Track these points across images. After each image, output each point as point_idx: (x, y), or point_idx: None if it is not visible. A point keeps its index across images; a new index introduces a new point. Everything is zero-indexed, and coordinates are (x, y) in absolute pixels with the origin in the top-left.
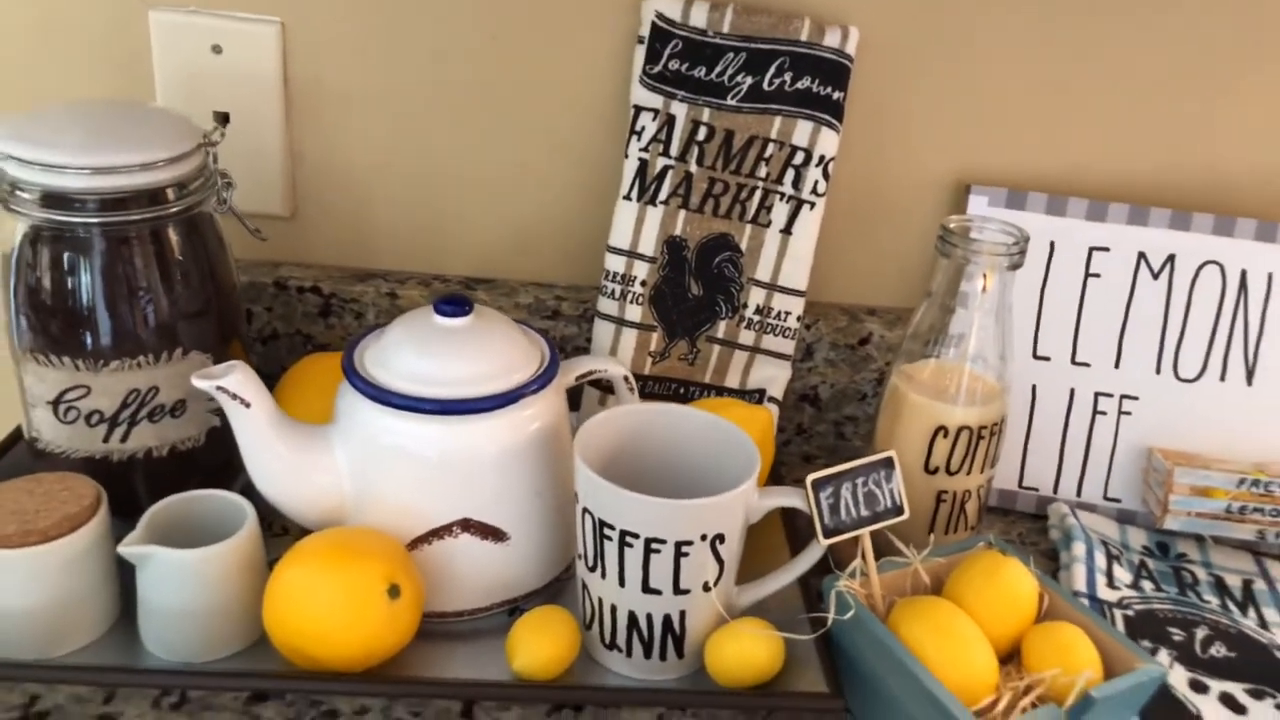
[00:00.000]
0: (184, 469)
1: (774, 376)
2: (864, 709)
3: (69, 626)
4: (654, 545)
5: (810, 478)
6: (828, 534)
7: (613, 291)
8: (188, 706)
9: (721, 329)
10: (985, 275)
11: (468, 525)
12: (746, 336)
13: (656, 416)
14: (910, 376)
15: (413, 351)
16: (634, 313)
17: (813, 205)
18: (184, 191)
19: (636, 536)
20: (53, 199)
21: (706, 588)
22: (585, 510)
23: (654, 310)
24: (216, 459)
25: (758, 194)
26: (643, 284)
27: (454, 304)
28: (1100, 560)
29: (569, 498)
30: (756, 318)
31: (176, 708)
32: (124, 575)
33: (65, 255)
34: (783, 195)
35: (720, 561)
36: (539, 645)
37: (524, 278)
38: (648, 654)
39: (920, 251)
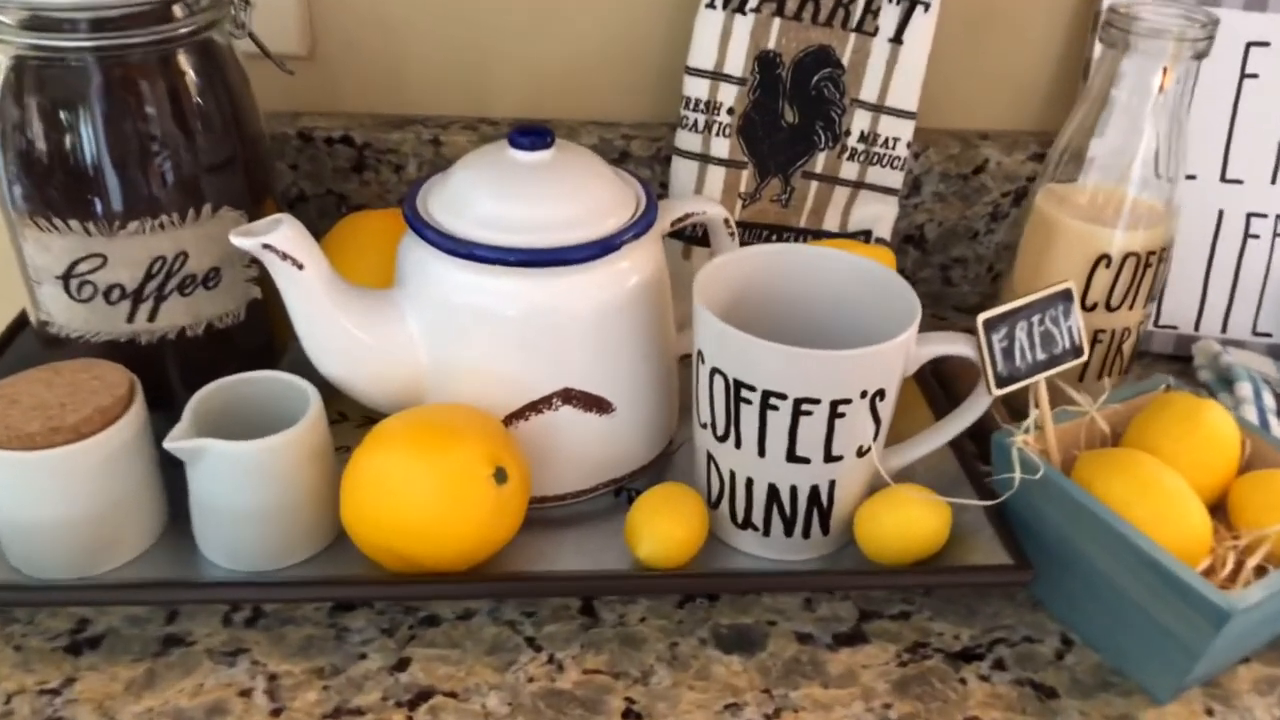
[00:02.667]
0: (222, 351)
1: (880, 215)
2: (1050, 585)
3: (112, 538)
4: (805, 407)
5: (981, 318)
6: (1000, 383)
7: (694, 123)
8: (264, 621)
9: (820, 162)
10: (1165, 69)
11: (569, 396)
12: (849, 170)
13: (785, 258)
14: (1062, 199)
15: (489, 193)
16: (720, 147)
17: (927, 6)
18: (193, 8)
19: (783, 397)
20: (39, 21)
21: (861, 452)
22: (715, 371)
23: (743, 143)
24: (258, 338)
25: None
26: (729, 111)
27: (533, 135)
28: (1269, 400)
29: (671, 361)
30: (860, 147)
31: (251, 623)
32: (169, 474)
33: (59, 93)
34: None
35: (878, 421)
36: (666, 528)
37: (584, 116)
38: (789, 531)
39: (1040, 65)
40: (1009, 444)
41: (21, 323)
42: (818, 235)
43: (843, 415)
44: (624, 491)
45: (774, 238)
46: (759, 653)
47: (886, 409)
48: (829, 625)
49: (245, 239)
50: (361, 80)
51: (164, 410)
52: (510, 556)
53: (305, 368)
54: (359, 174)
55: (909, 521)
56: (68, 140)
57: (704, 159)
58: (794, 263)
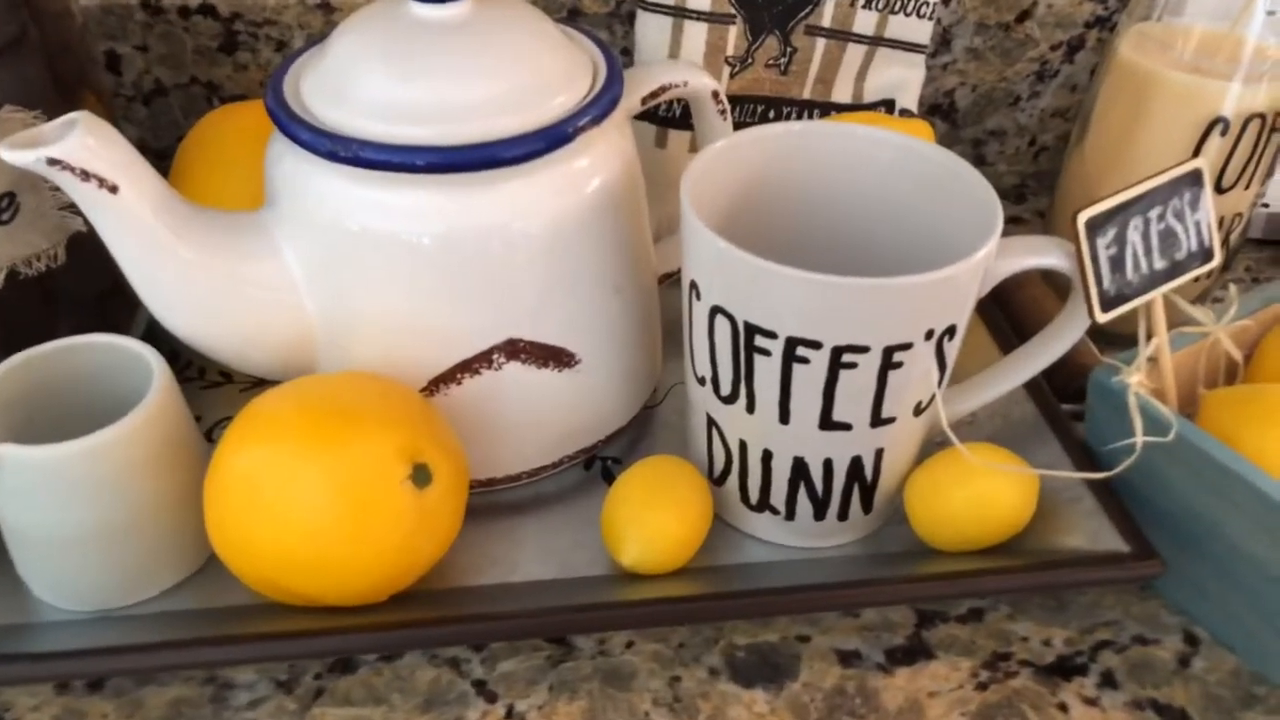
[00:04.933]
0: (43, 306)
1: (904, 80)
2: (1170, 568)
3: None
4: (847, 357)
5: (1083, 217)
6: (1108, 304)
7: None
8: (114, 684)
9: (828, 12)
10: None
11: (515, 349)
12: (864, 21)
13: (805, 143)
14: (1163, 45)
15: (382, 68)
16: None
17: None
18: None
19: (816, 346)
20: None
21: (919, 410)
22: (717, 310)
23: None
24: (93, 284)
25: None
26: None
27: None
28: None
29: (651, 285)
30: None
31: (96, 687)
32: None
33: None
34: None
35: (943, 368)
36: (657, 524)
37: None
38: (820, 514)
39: None
40: (1123, 388)
41: None
42: (826, 109)
43: (899, 365)
44: (596, 461)
45: (771, 114)
46: (789, 683)
47: (954, 350)
48: (879, 637)
49: (21, 151)
50: None
51: None
52: (448, 566)
53: None
54: (230, 55)
55: (983, 498)
56: None
57: (679, 12)
58: (818, 148)
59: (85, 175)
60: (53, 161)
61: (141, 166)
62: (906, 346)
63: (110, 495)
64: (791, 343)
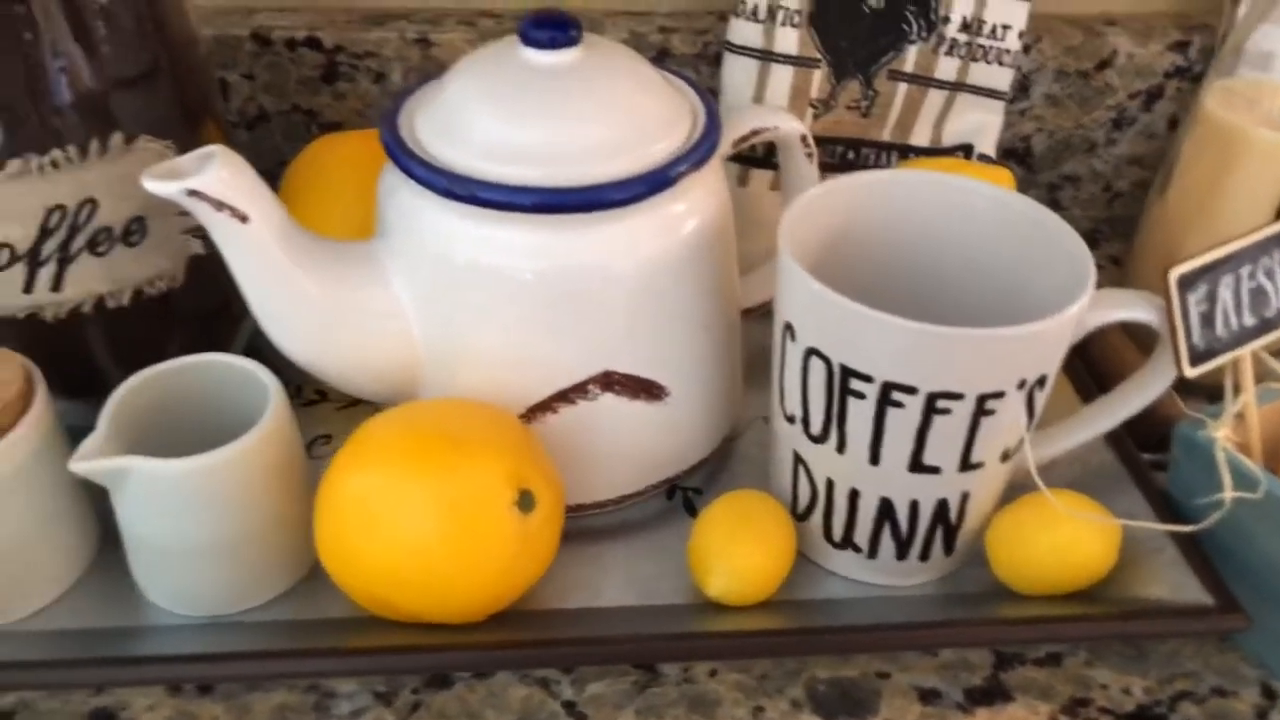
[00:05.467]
0: (161, 324)
1: (982, 125)
2: (1254, 621)
3: (20, 582)
4: (941, 404)
5: (1174, 274)
6: (1197, 359)
7: (754, 10)
8: (223, 688)
9: (911, 59)
10: None
11: (610, 381)
12: (946, 67)
13: (897, 191)
14: (1250, 101)
15: (495, 111)
16: (787, 40)
17: None
18: None
19: (912, 392)
20: None
21: (1005, 456)
22: (813, 352)
23: (816, 35)
24: (207, 303)
25: None
26: None
27: (553, 27)
28: None
29: (735, 322)
30: (962, 38)
31: (206, 691)
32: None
33: None
34: None
35: (1031, 416)
36: (744, 557)
37: (608, 4)
38: (902, 553)
39: None
40: (1210, 442)
41: None
42: (905, 151)
43: (991, 413)
44: (678, 491)
45: (851, 155)
46: (870, 718)
47: (1043, 399)
48: (957, 676)
49: (163, 183)
50: None
51: (90, 400)
52: (537, 587)
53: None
54: (330, 84)
55: (1067, 544)
56: None
57: (766, 56)
58: (911, 196)
59: (219, 205)
60: (192, 193)
61: (268, 197)
62: (999, 395)
63: (227, 508)
64: (887, 387)
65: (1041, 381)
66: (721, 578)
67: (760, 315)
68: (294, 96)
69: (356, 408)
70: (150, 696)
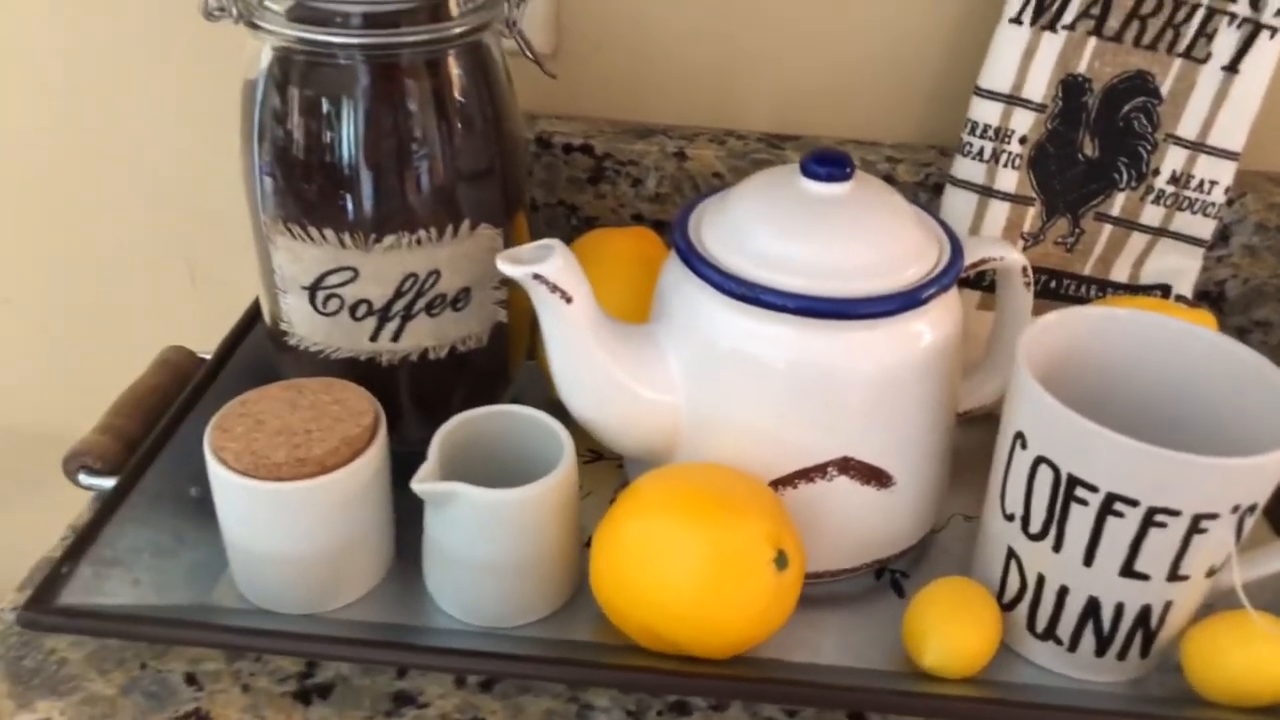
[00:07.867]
0: (457, 375)
1: (1180, 268)
2: None
3: (344, 574)
4: (1159, 518)
5: None
6: None
7: (979, 151)
8: (500, 687)
9: (1118, 203)
10: None
11: (847, 466)
12: (1151, 214)
13: (1120, 326)
14: None
15: (775, 228)
16: (1007, 180)
17: (1274, 32)
18: (468, 6)
19: (1134, 504)
20: (308, 14)
21: (1210, 572)
22: (1042, 460)
23: (1033, 176)
24: (494, 363)
25: (1199, 14)
26: (1022, 141)
27: (831, 164)
28: None
29: (953, 425)
30: (1170, 189)
31: (486, 688)
32: (399, 505)
33: (322, 89)
34: (1233, 17)
35: (1239, 538)
36: (959, 636)
37: (841, 133)
38: (1101, 651)
39: None
40: None
41: (254, 316)
42: (1103, 286)
43: (1204, 531)
44: (886, 572)
45: (1053, 284)
46: None
47: (1250, 523)
48: None
49: (514, 266)
50: (603, 83)
51: (391, 433)
52: (768, 641)
53: (528, 396)
54: (594, 185)
55: (1262, 661)
56: (327, 137)
57: (986, 192)
58: (1133, 333)
59: (554, 288)
60: (536, 276)
61: (587, 285)
62: (1214, 516)
63: (524, 535)
64: (1110, 498)
65: (1253, 508)
66: (937, 650)
67: (962, 421)
68: (561, 193)
69: (599, 463)
70: (442, 686)
